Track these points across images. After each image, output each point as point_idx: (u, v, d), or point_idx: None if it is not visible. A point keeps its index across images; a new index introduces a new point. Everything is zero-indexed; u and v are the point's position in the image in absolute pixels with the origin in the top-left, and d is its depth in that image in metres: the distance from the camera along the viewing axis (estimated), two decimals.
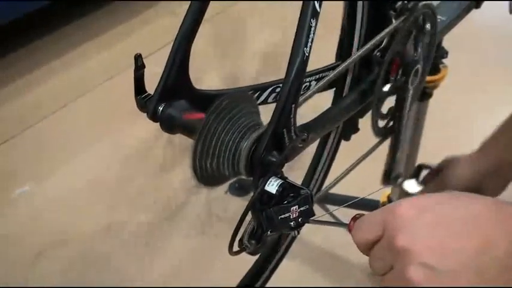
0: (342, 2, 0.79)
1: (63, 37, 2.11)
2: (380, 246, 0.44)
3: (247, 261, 0.78)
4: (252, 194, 0.63)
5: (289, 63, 0.56)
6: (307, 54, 0.56)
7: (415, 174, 0.99)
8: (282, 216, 0.58)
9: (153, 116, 0.61)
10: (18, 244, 1.37)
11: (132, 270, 1.31)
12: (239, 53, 1.89)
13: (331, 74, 0.69)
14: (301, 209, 0.58)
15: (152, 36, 2.11)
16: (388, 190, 1.22)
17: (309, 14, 0.55)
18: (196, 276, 1.29)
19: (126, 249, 1.35)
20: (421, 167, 0.99)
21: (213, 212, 1.44)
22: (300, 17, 0.56)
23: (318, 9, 0.56)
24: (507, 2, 1.05)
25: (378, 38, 0.73)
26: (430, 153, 1.30)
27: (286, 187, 0.57)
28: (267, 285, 0.88)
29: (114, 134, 1.69)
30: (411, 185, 0.98)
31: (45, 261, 1.32)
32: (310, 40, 0.55)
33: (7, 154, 1.64)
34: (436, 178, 0.92)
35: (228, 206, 1.42)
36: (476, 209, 0.41)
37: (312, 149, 0.81)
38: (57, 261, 1.32)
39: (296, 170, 0.79)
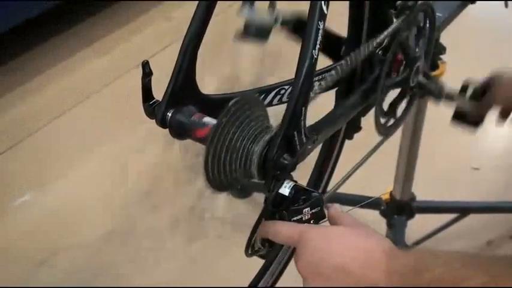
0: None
1: (58, 45, 2.10)
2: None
3: (252, 263, 0.78)
4: (255, 195, 0.63)
5: (298, 65, 0.56)
6: (315, 56, 0.56)
7: (462, 91, 0.97)
8: (295, 218, 0.58)
9: (162, 123, 0.61)
10: (21, 254, 1.36)
11: (135, 275, 1.31)
12: (238, 55, 1.88)
13: (336, 75, 0.69)
14: (313, 211, 0.59)
15: (148, 42, 2.10)
16: (390, 187, 1.23)
17: (316, 16, 0.55)
18: (200, 280, 1.29)
19: (129, 254, 1.35)
20: (467, 84, 0.96)
21: (216, 214, 1.44)
22: (307, 20, 0.56)
23: (325, 11, 0.56)
24: None
25: (380, 37, 0.73)
26: (431, 148, 1.32)
27: (298, 190, 0.58)
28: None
29: (114, 140, 1.68)
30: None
31: (48, 270, 1.32)
32: (318, 42, 0.56)
33: (8, 163, 1.63)
34: (487, 94, 0.92)
35: (231, 208, 1.42)
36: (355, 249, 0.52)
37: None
38: (60, 270, 1.32)
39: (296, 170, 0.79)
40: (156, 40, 2.01)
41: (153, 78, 0.62)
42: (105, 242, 1.38)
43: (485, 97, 0.92)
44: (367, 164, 1.00)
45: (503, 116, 0.94)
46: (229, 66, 1.82)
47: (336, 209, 0.58)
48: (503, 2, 1.06)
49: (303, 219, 0.58)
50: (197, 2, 0.62)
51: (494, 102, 0.92)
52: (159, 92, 0.64)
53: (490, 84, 0.92)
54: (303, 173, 0.89)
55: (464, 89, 0.97)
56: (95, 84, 1.89)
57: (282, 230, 0.56)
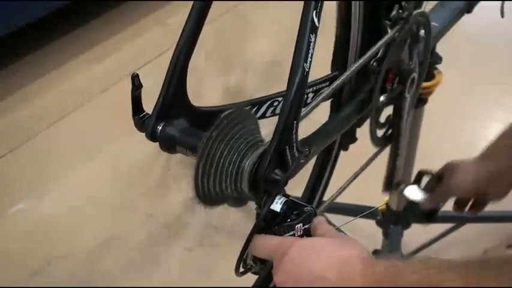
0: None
1: (58, 48, 2.10)
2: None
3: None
4: (250, 203, 0.63)
5: (289, 79, 0.55)
6: (307, 70, 0.55)
7: (417, 181, 0.98)
8: (287, 234, 0.57)
9: (152, 136, 0.60)
10: (16, 262, 1.35)
11: (131, 284, 1.30)
12: (243, 57, 1.86)
13: (330, 88, 0.68)
14: (306, 226, 0.58)
15: (148, 45, 2.09)
16: (386, 197, 1.22)
17: (307, 30, 0.54)
18: (200, 280, 1.28)
19: (125, 263, 1.34)
20: (422, 174, 0.98)
21: (211, 223, 1.42)
22: (298, 33, 0.55)
23: (317, 24, 0.55)
24: (498, 5, 1.05)
25: (374, 48, 0.73)
26: (427, 158, 1.30)
27: (290, 205, 0.57)
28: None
29: (111, 147, 1.67)
30: (413, 192, 0.96)
31: (48, 271, 1.31)
32: (309, 55, 0.55)
33: (8, 166, 1.62)
34: (439, 184, 0.92)
35: (226, 216, 1.41)
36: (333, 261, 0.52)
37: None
38: (55, 279, 1.31)
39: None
40: (156, 44, 2.00)
41: (153, 83, 0.61)
42: (101, 251, 1.37)
43: (440, 187, 0.91)
44: (363, 173, 0.99)
45: (460, 206, 0.94)
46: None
47: (319, 220, 0.58)
48: (499, 11, 1.06)
49: (296, 235, 0.57)
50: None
51: (449, 193, 0.91)
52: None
53: (445, 174, 0.91)
54: (299, 181, 0.89)
55: (418, 178, 0.97)
56: (95, 88, 1.89)
57: (265, 245, 0.56)
